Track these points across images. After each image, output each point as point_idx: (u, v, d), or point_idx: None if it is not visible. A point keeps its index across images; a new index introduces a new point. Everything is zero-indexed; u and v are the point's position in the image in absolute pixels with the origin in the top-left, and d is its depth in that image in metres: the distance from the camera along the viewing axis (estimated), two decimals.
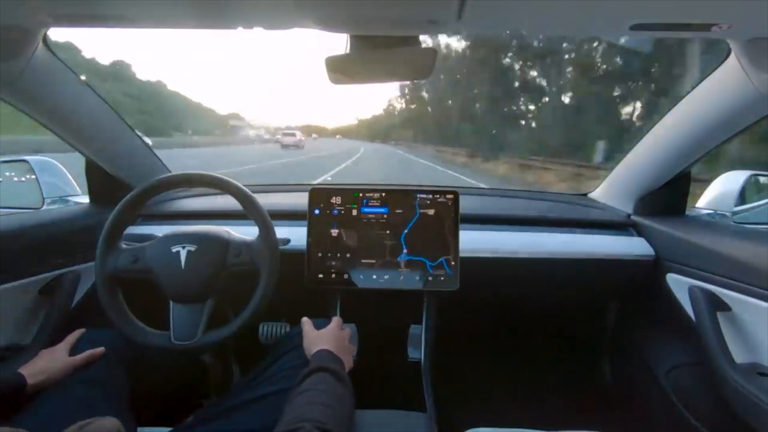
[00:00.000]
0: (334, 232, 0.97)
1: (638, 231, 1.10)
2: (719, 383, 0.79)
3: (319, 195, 0.98)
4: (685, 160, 0.98)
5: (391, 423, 0.77)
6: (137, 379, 0.77)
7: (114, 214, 0.81)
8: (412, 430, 0.76)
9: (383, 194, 0.98)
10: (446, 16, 0.55)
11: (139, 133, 1.12)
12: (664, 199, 1.08)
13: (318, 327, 0.78)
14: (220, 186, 0.84)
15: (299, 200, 1.04)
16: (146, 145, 1.14)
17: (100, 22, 0.63)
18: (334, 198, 0.98)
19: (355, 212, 0.98)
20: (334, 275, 0.97)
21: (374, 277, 0.97)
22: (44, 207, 1.14)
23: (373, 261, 0.97)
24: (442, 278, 0.96)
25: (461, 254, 0.96)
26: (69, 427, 0.49)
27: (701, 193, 1.23)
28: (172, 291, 0.79)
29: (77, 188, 1.24)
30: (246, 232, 0.86)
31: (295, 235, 0.96)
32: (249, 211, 0.83)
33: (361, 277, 0.97)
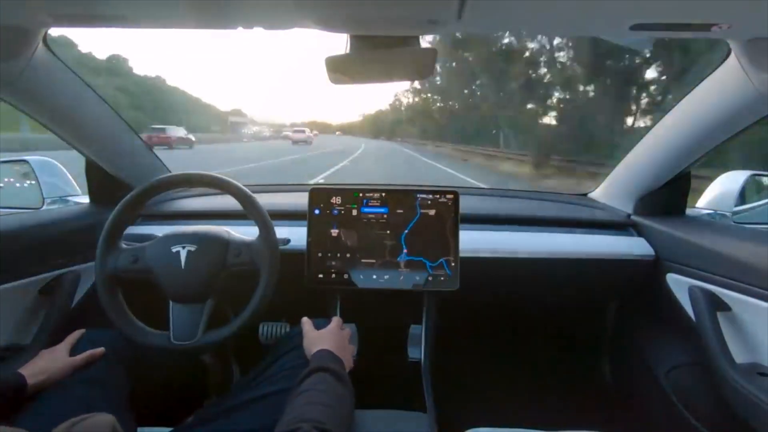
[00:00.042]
0: (334, 232, 0.97)
1: (638, 231, 1.10)
2: (719, 383, 0.79)
3: (319, 195, 0.98)
4: (685, 160, 0.98)
5: (391, 423, 0.77)
6: (137, 379, 0.77)
7: (114, 214, 0.81)
8: (412, 430, 0.76)
9: (383, 194, 0.98)
10: (446, 16, 0.55)
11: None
12: (664, 199, 1.08)
13: (318, 327, 0.78)
14: (220, 186, 0.84)
15: (299, 200, 1.04)
16: (146, 144, 1.15)
17: (100, 22, 0.63)
18: (334, 198, 0.98)
19: (355, 212, 0.98)
20: (334, 275, 0.97)
21: (374, 277, 0.97)
22: (44, 207, 1.15)
23: (373, 261, 0.97)
24: (442, 278, 0.96)
25: (461, 254, 0.96)
26: (62, 423, 0.49)
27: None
28: (172, 291, 0.79)
29: (77, 188, 1.24)
30: (246, 232, 0.86)
31: (295, 235, 0.96)
32: (249, 211, 0.83)
33: (361, 277, 0.97)
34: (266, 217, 0.82)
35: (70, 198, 1.20)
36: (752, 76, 0.72)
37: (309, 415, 0.52)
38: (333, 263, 0.97)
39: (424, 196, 0.97)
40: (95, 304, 0.80)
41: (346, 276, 0.97)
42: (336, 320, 0.81)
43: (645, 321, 1.14)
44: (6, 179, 1.26)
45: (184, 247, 0.79)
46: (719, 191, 1.21)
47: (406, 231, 0.97)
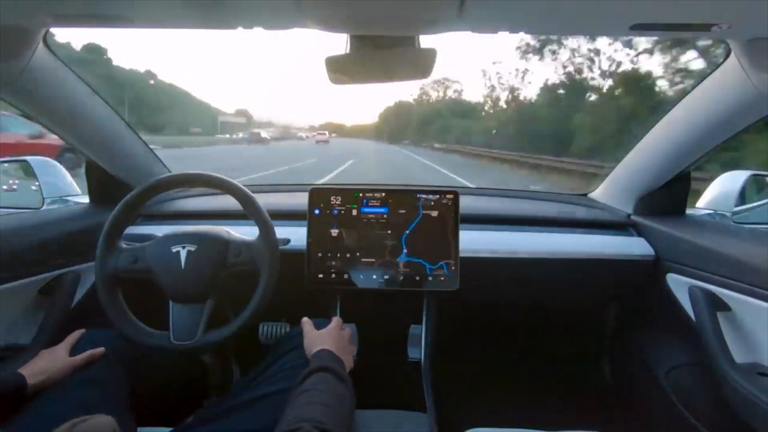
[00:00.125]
0: (334, 232, 0.97)
1: (638, 231, 1.10)
2: (719, 383, 0.79)
3: (319, 195, 0.98)
4: (685, 160, 0.98)
5: (391, 423, 0.77)
6: (137, 379, 0.77)
7: (114, 214, 0.81)
8: (412, 430, 0.76)
9: (383, 194, 0.98)
10: (446, 16, 0.55)
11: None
12: (664, 199, 1.08)
13: (318, 327, 0.78)
14: (220, 186, 0.84)
15: (299, 200, 1.04)
16: (146, 145, 1.14)
17: (100, 22, 0.63)
18: (334, 198, 0.98)
19: (355, 212, 0.98)
20: (334, 275, 0.97)
21: (374, 277, 0.97)
22: (44, 207, 1.14)
23: (373, 260, 0.97)
24: (441, 278, 0.96)
25: (461, 254, 0.96)
26: (62, 425, 0.49)
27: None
28: (172, 291, 0.79)
29: (77, 188, 1.24)
30: (246, 232, 0.86)
31: (295, 235, 0.96)
32: (249, 211, 0.83)
33: (361, 277, 0.97)
34: (266, 217, 0.82)
35: (70, 198, 1.20)
36: (752, 76, 0.72)
37: (309, 415, 0.52)
38: (333, 263, 0.97)
39: (426, 196, 0.97)
40: (95, 304, 0.80)
41: (346, 276, 0.97)
42: (336, 320, 0.81)
43: (645, 321, 1.14)
44: (6, 179, 1.26)
45: (184, 247, 0.79)
46: (719, 191, 1.21)
47: (408, 231, 0.97)
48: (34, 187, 1.16)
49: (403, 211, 0.97)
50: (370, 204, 0.98)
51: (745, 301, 0.79)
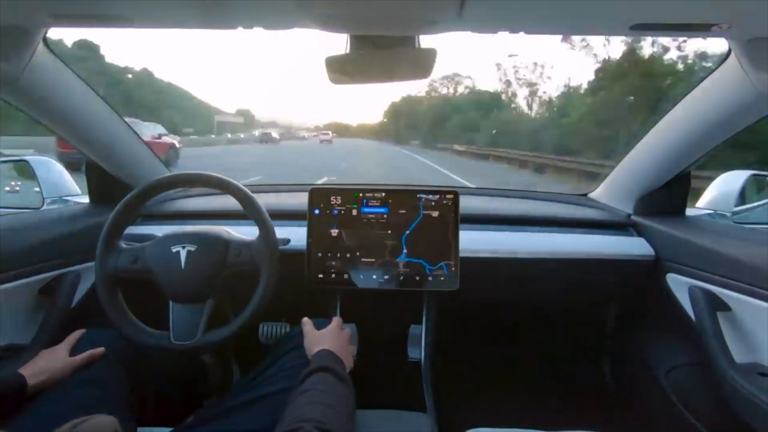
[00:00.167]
0: (334, 232, 0.97)
1: (638, 231, 1.10)
2: (719, 383, 0.79)
3: (319, 195, 0.98)
4: (685, 160, 0.98)
5: (391, 423, 0.77)
6: (137, 379, 0.77)
7: (114, 214, 0.81)
8: (412, 430, 0.76)
9: (383, 194, 0.98)
10: (446, 16, 0.55)
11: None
12: (664, 199, 1.08)
13: (318, 327, 0.78)
14: (220, 186, 0.84)
15: (299, 200, 1.04)
16: (146, 144, 1.15)
17: (100, 22, 0.63)
18: (333, 198, 0.98)
19: (355, 212, 0.98)
20: (334, 275, 0.97)
21: (374, 277, 0.97)
22: (44, 207, 1.15)
23: (373, 260, 0.97)
24: (441, 278, 0.96)
25: (461, 254, 0.96)
26: (63, 425, 0.49)
27: None
28: (172, 291, 0.79)
29: (77, 188, 1.24)
30: (246, 232, 0.86)
31: (295, 235, 0.96)
32: (249, 211, 0.83)
33: (361, 277, 0.97)
34: (266, 217, 0.82)
35: (70, 198, 1.20)
36: (752, 76, 0.72)
37: (310, 415, 0.52)
38: (333, 263, 0.97)
39: (428, 196, 0.97)
40: (95, 304, 0.80)
41: (346, 276, 0.97)
42: (336, 320, 0.81)
43: (645, 321, 1.14)
44: (9, 180, 1.26)
45: (184, 247, 0.79)
46: (719, 191, 1.22)
47: (408, 231, 0.97)
48: (37, 189, 1.16)
49: (404, 211, 0.97)
50: (370, 204, 0.98)
51: (745, 301, 0.79)
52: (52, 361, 0.70)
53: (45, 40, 0.75)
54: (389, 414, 0.78)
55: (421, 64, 0.68)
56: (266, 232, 0.82)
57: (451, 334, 1.16)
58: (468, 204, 1.04)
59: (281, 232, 0.86)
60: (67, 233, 0.93)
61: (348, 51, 0.65)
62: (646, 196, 1.10)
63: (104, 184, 1.08)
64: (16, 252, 0.82)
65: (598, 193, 1.30)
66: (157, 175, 1.11)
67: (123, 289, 0.80)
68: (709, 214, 1.18)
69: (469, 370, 1.33)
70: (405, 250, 0.96)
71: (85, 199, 1.14)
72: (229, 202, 0.87)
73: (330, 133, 47.00)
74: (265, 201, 0.84)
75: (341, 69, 0.69)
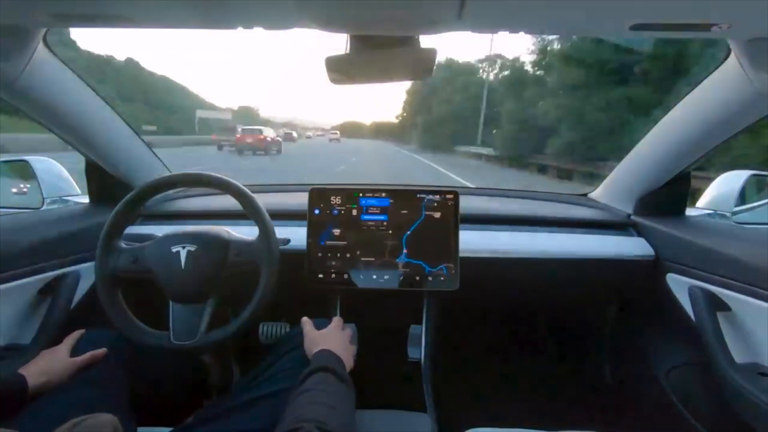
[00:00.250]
0: (335, 232, 0.97)
1: (638, 231, 1.10)
2: (719, 383, 0.79)
3: (319, 195, 0.98)
4: (685, 160, 0.98)
5: (391, 423, 0.77)
6: (137, 379, 0.77)
7: (113, 214, 0.81)
8: (412, 430, 0.76)
9: (383, 194, 0.98)
10: (446, 16, 0.55)
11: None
12: (664, 199, 1.08)
13: (318, 327, 0.78)
14: (220, 186, 0.84)
15: (299, 200, 1.04)
16: (147, 145, 1.15)
17: (100, 22, 0.63)
18: (333, 198, 0.98)
19: (355, 212, 0.98)
20: (334, 275, 0.97)
21: (374, 277, 0.97)
22: (44, 207, 1.14)
23: (373, 259, 0.97)
24: (441, 278, 0.96)
25: (461, 254, 0.96)
26: (63, 424, 0.49)
27: None
28: (172, 291, 0.79)
29: (77, 188, 1.24)
30: (246, 232, 0.86)
31: (295, 235, 0.96)
32: (249, 211, 0.83)
33: (361, 277, 0.97)
34: (266, 217, 0.82)
35: (70, 198, 1.20)
36: (752, 76, 0.72)
37: (310, 415, 0.52)
38: (333, 263, 0.97)
39: (430, 197, 0.97)
40: (95, 304, 0.80)
41: (346, 276, 0.97)
42: (337, 320, 0.81)
43: (645, 321, 1.14)
44: (16, 182, 1.25)
45: (184, 247, 0.79)
46: (719, 191, 1.21)
47: (409, 232, 0.97)
48: (37, 189, 1.16)
49: (405, 212, 0.97)
50: (370, 204, 0.98)
51: (745, 301, 0.79)
52: (52, 362, 0.70)
53: (45, 40, 0.75)
54: (389, 414, 0.78)
55: (422, 64, 0.68)
56: (266, 232, 0.82)
57: (451, 334, 1.16)
58: (468, 204, 1.04)
59: (281, 232, 0.86)
60: (67, 233, 0.93)
61: (348, 51, 0.65)
62: (646, 196, 1.10)
63: (104, 184, 1.08)
64: (16, 252, 0.82)
65: (598, 193, 1.30)
66: (157, 175, 1.11)
67: (123, 289, 0.80)
68: (709, 214, 1.18)
69: (469, 370, 1.33)
70: (405, 251, 0.96)
71: (85, 199, 1.14)
72: (229, 202, 0.87)
73: (338, 132, 52.95)
74: (265, 201, 0.84)
75: (341, 69, 0.69)
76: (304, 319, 0.81)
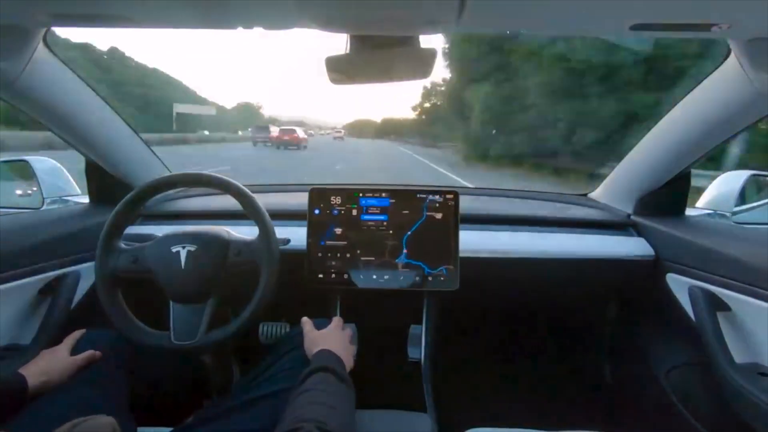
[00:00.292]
0: (336, 231, 0.97)
1: (638, 231, 1.10)
2: (719, 383, 0.79)
3: (319, 195, 0.98)
4: (685, 160, 0.98)
5: (391, 423, 0.77)
6: (137, 379, 0.77)
7: (113, 214, 0.81)
8: (412, 430, 0.76)
9: (383, 194, 0.98)
10: (446, 16, 0.55)
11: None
12: (664, 199, 1.08)
13: (318, 327, 0.78)
14: (220, 186, 0.84)
15: (299, 200, 1.04)
16: (147, 144, 1.15)
17: (100, 22, 0.63)
18: (333, 198, 0.98)
19: (354, 212, 0.98)
20: (334, 275, 0.97)
21: (374, 277, 0.97)
22: (44, 207, 1.14)
23: (373, 259, 0.97)
24: (441, 278, 0.96)
25: (461, 254, 0.96)
26: (63, 425, 0.49)
27: None
28: (172, 291, 0.79)
29: (77, 188, 1.24)
30: (246, 232, 0.86)
31: (295, 235, 0.96)
32: (249, 211, 0.83)
33: (361, 277, 0.97)
34: (266, 217, 0.82)
35: (70, 198, 1.20)
36: (752, 76, 0.72)
37: (310, 415, 0.52)
38: (333, 263, 0.97)
39: (432, 197, 0.97)
40: (95, 304, 0.80)
41: (346, 276, 0.97)
42: (337, 320, 0.81)
43: (645, 321, 1.14)
44: (22, 183, 1.25)
45: (184, 247, 0.79)
46: (719, 191, 1.21)
47: (410, 232, 0.97)
48: (36, 189, 1.16)
49: (406, 212, 0.97)
50: (370, 204, 0.98)
51: (745, 301, 0.79)
52: (52, 362, 0.70)
53: (45, 40, 0.75)
54: (389, 414, 0.78)
55: (421, 64, 0.68)
56: (266, 232, 0.82)
57: (452, 334, 1.16)
58: (468, 204, 1.04)
59: (281, 232, 0.86)
60: (67, 233, 0.93)
61: (348, 51, 0.65)
62: (646, 196, 1.10)
63: (104, 184, 1.08)
64: (16, 252, 0.82)
65: (598, 193, 1.30)
66: (157, 175, 1.11)
67: (123, 289, 0.80)
68: (709, 214, 1.18)
69: (469, 370, 1.33)
70: (405, 251, 0.96)
71: (85, 199, 1.14)
72: (229, 202, 0.87)
73: (342, 131, 53.67)
74: (265, 201, 0.84)
75: (341, 69, 0.69)
76: (304, 319, 0.81)
